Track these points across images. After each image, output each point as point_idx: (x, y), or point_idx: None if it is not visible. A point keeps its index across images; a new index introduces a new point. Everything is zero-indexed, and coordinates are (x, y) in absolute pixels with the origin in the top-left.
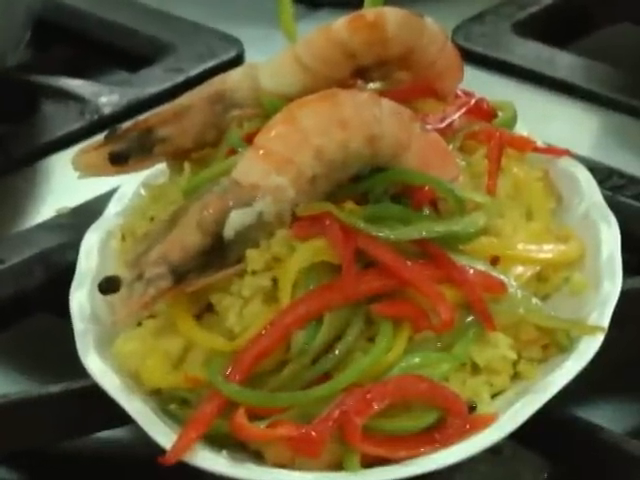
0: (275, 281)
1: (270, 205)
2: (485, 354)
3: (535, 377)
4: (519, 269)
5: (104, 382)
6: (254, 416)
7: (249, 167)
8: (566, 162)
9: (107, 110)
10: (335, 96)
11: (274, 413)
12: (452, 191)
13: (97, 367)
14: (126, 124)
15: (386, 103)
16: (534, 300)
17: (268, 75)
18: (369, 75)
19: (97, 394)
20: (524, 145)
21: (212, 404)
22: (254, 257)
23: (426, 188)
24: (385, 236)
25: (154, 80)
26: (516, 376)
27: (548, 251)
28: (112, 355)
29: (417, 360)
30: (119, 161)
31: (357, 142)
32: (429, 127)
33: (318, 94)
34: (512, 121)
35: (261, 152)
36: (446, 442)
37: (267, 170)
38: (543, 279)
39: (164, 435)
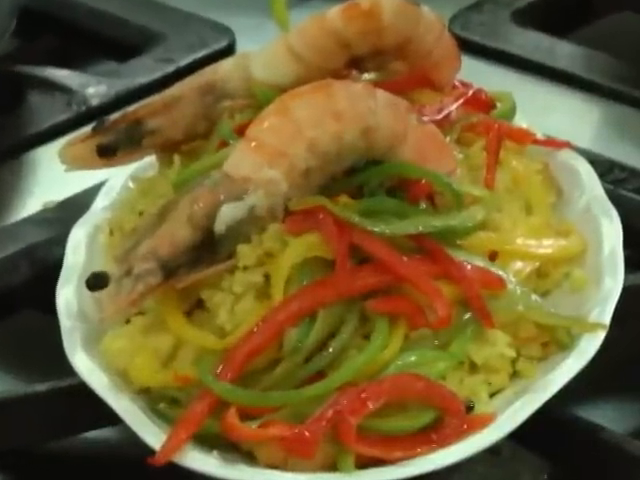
0: (267, 277)
1: (262, 199)
2: (483, 352)
3: (534, 376)
4: (518, 264)
5: (92, 381)
6: (246, 416)
7: (241, 160)
8: (566, 154)
9: (95, 101)
10: (329, 87)
11: (266, 413)
12: (449, 185)
13: (84, 365)
14: (114, 115)
15: (381, 94)
16: (534, 297)
17: (260, 65)
18: (364, 65)
19: (84, 393)
20: (523, 137)
21: (202, 403)
22: (246, 252)
23: (423, 181)
24: (380, 231)
25: (143, 70)
26: (515, 375)
27: (548, 246)
28: (100, 353)
29: (413, 358)
30: (107, 153)
31: (351, 134)
32: (426, 119)
33: (311, 85)
34: (511, 112)
35: (253, 144)
36: (443, 442)
37: (259, 163)
38: (543, 275)
39: (153, 435)
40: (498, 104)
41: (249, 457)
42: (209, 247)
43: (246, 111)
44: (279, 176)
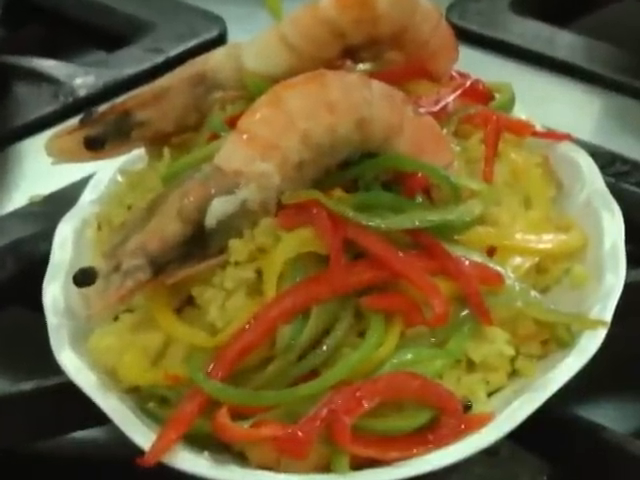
0: (259, 273)
1: (254, 193)
2: (481, 350)
3: (534, 374)
4: (517, 260)
5: (79, 379)
6: (237, 415)
7: (232, 152)
8: (567, 147)
9: (82, 92)
10: (323, 77)
11: (258, 412)
12: (447, 178)
13: (72, 363)
14: (102, 107)
15: (377, 85)
16: (533, 293)
17: (252, 55)
18: (359, 55)
19: (72, 392)
20: (522, 129)
21: (193, 403)
22: (237, 247)
23: (419, 175)
24: (376, 225)
25: (132, 61)
26: (514, 373)
27: (548, 241)
28: (87, 351)
29: (409, 356)
30: (95, 146)
31: (346, 126)
32: (422, 110)
33: (305, 75)
34: (510, 104)
35: (245, 137)
36: (440, 443)
37: (251, 156)
38: (542, 271)
39: (142, 435)
40: (497, 95)
41: (241, 458)
42: (200, 242)
43: (238, 102)
44: (272, 169)
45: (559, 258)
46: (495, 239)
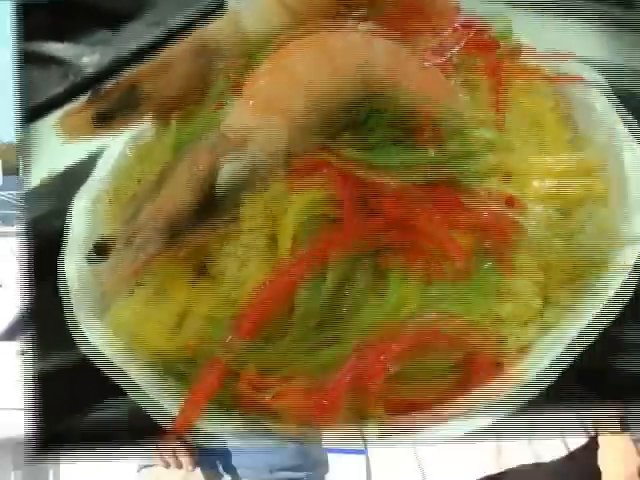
0: (273, 239)
1: (262, 156)
2: (507, 304)
3: (564, 325)
4: (535, 186)
5: (104, 349)
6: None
7: (238, 118)
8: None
9: (89, 70)
10: (325, 39)
11: (280, 383)
12: (451, 109)
13: (94, 335)
14: (109, 84)
15: (379, 42)
16: (557, 240)
17: (251, 18)
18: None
19: (89, 367)
20: (532, 74)
21: (214, 373)
22: (249, 214)
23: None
24: (388, 181)
25: (135, 36)
26: (543, 325)
27: (565, 161)
28: (108, 324)
29: (433, 315)
30: (104, 122)
31: (351, 83)
32: (428, 64)
33: (307, 38)
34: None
35: (250, 102)
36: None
37: (257, 120)
38: (566, 214)
39: (170, 401)
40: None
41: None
42: (210, 209)
43: (241, 69)
44: (279, 132)
45: (578, 178)
46: (510, 165)
